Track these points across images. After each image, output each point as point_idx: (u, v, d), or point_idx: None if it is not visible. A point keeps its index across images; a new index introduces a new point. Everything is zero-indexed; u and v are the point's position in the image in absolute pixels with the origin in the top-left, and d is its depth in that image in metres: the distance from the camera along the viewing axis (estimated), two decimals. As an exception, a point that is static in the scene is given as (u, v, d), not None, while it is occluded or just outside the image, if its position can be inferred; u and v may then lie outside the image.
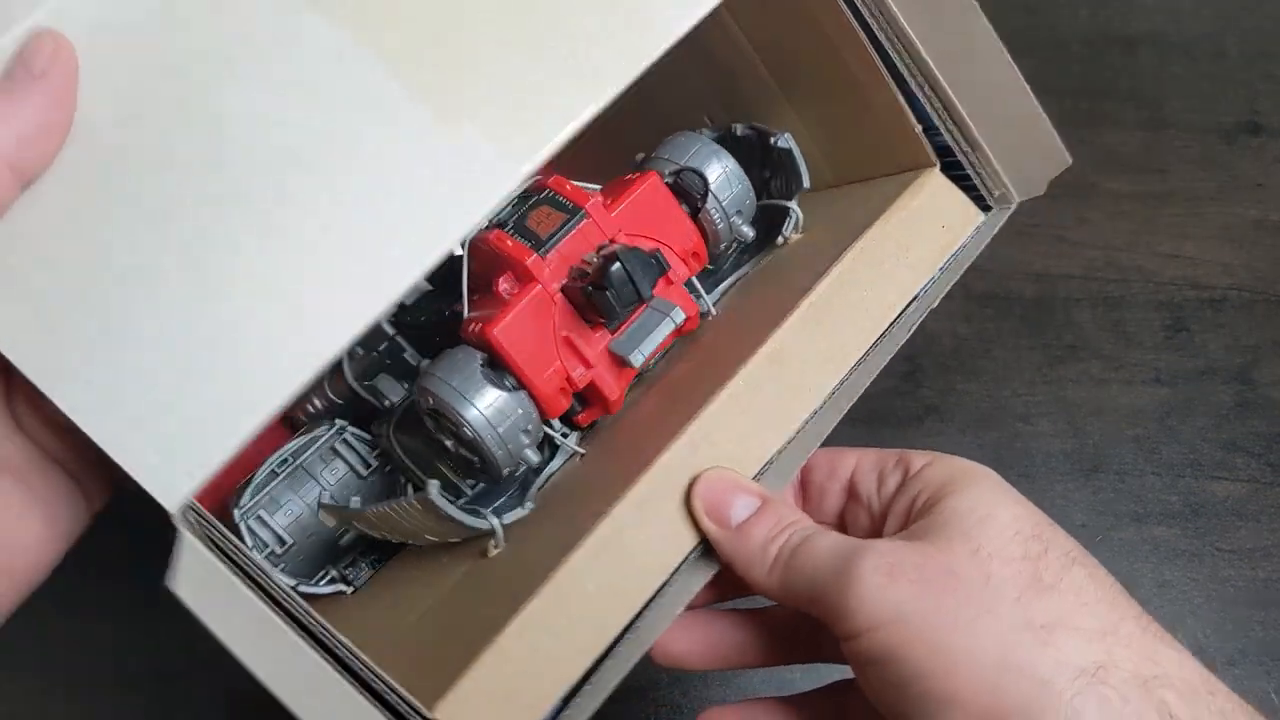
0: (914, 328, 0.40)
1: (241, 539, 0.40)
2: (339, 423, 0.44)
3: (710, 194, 0.42)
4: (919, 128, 0.41)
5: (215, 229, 0.31)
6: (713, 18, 0.35)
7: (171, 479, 0.29)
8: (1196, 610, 0.56)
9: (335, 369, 0.46)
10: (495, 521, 0.37)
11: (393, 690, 0.30)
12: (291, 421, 0.49)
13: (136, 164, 0.31)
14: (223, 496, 0.43)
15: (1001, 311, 0.65)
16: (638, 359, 0.38)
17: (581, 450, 0.41)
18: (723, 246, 0.44)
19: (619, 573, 0.32)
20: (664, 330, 0.38)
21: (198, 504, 0.30)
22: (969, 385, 0.62)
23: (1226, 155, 0.73)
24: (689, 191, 0.41)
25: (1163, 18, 0.80)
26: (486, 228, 0.39)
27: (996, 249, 0.67)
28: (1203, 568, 0.58)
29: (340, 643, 0.30)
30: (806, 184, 0.44)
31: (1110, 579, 0.32)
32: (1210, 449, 0.61)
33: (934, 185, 0.42)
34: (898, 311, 0.40)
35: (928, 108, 0.41)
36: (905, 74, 0.40)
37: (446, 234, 0.32)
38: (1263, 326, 0.65)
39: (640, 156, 0.45)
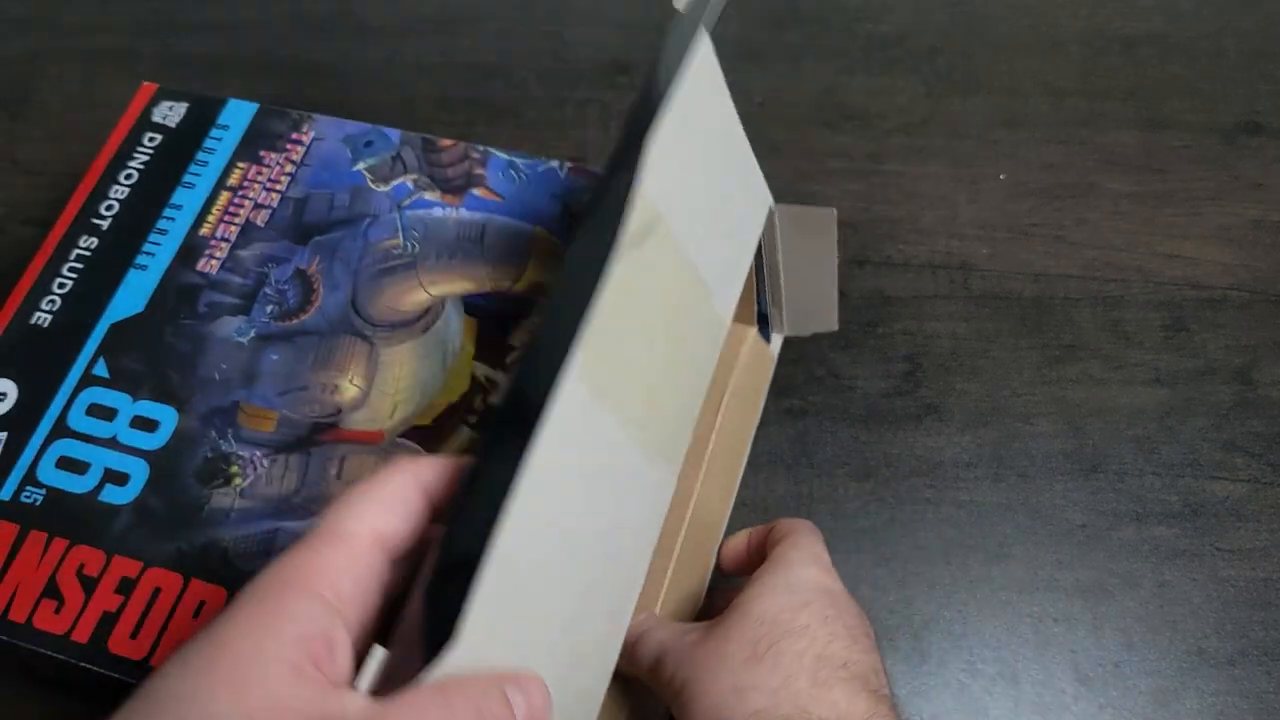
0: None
1: None
2: None
3: None
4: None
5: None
6: None
7: None
8: (1196, 610, 0.56)
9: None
10: None
11: None
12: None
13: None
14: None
15: (1000, 311, 0.65)
16: None
17: None
18: None
19: None
20: None
21: None
22: (968, 385, 0.62)
23: (1226, 155, 0.73)
24: None
25: (1163, 18, 0.80)
26: None
27: (996, 249, 0.67)
28: (1203, 568, 0.58)
29: None
30: None
31: (813, 651, 0.41)
32: (1210, 449, 0.61)
33: (752, 338, 0.60)
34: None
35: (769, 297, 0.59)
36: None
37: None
38: (1262, 326, 0.65)
39: None
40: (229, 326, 0.53)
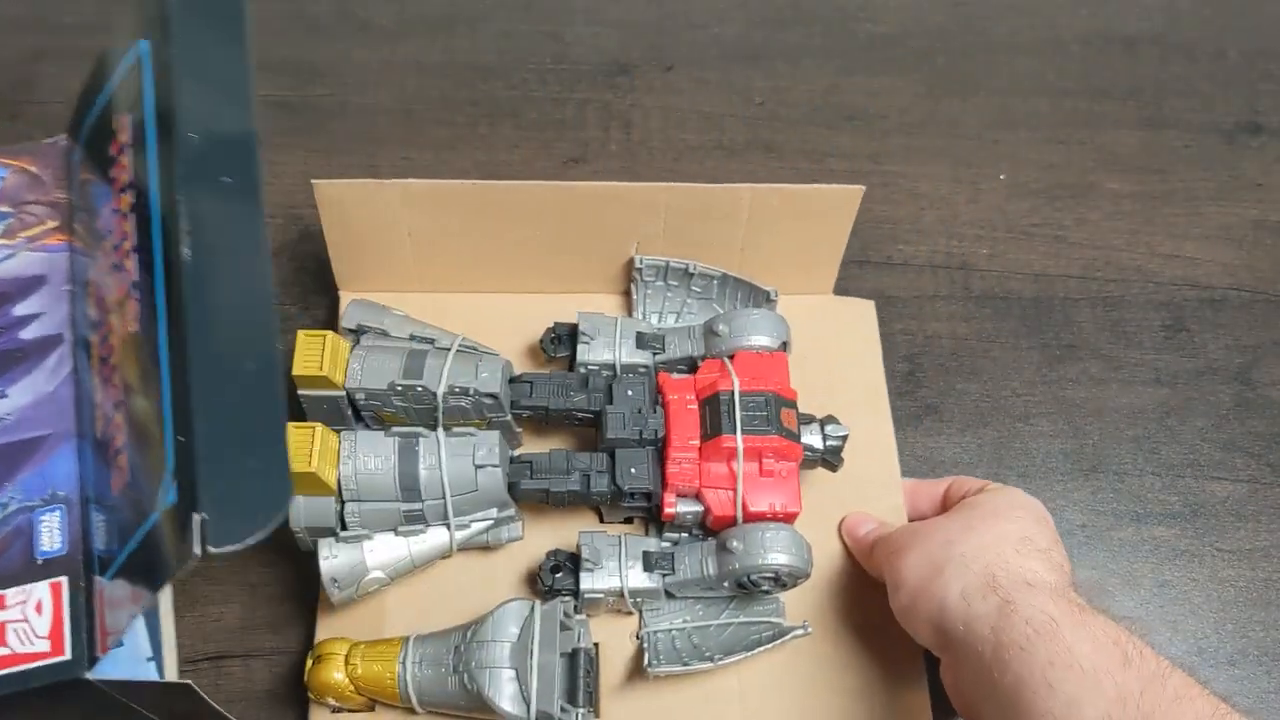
0: None
1: None
2: None
3: None
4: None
5: None
6: None
7: None
8: (1196, 610, 0.56)
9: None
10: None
11: None
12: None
13: None
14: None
15: (1001, 311, 0.65)
16: None
17: None
18: None
19: None
20: None
21: None
22: (968, 385, 0.62)
23: (1226, 155, 0.73)
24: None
25: (1163, 18, 0.80)
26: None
27: (996, 249, 0.67)
28: (1203, 568, 0.58)
29: None
30: None
31: (1020, 533, 0.47)
32: (1210, 449, 0.61)
33: None
34: None
35: None
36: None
37: None
38: (1262, 326, 0.65)
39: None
40: None
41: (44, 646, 0.39)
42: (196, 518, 0.34)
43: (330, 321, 0.62)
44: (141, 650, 0.47)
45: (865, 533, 0.53)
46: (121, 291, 0.42)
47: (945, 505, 0.54)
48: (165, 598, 0.53)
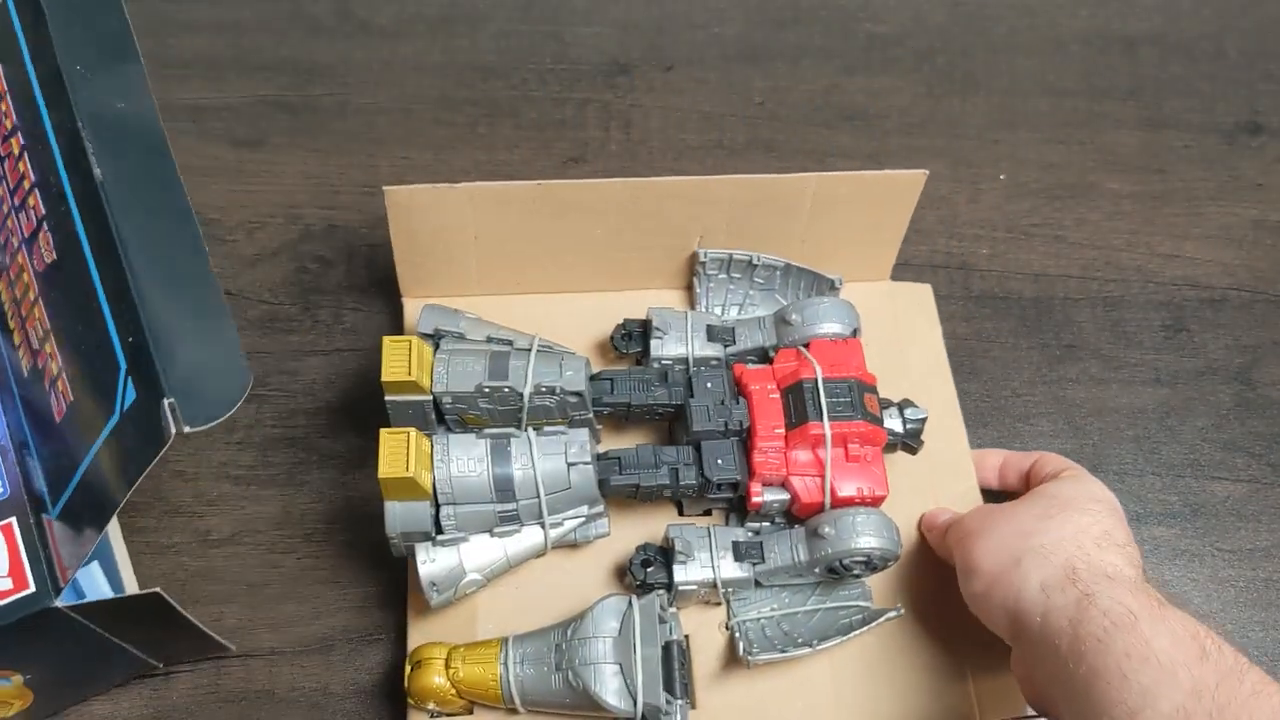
0: None
1: None
2: None
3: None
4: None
5: None
6: None
7: None
8: (1197, 610, 0.56)
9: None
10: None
11: None
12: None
13: None
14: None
15: (1001, 311, 0.65)
16: None
17: None
18: None
19: None
20: None
21: None
22: (969, 385, 0.62)
23: (1226, 155, 0.73)
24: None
25: (1163, 18, 0.80)
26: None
27: (996, 249, 0.67)
28: (1203, 568, 0.58)
29: None
30: None
31: (1099, 527, 0.47)
32: (1210, 449, 0.61)
33: None
34: None
35: None
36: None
37: None
38: (1263, 326, 0.65)
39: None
40: None
41: (7, 585, 0.41)
42: (166, 402, 0.36)
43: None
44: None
45: (942, 521, 0.53)
46: (30, 228, 0.44)
47: (1030, 482, 0.54)
48: (120, 547, 0.53)
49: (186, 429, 0.36)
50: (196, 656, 0.51)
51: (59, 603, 0.40)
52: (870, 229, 0.59)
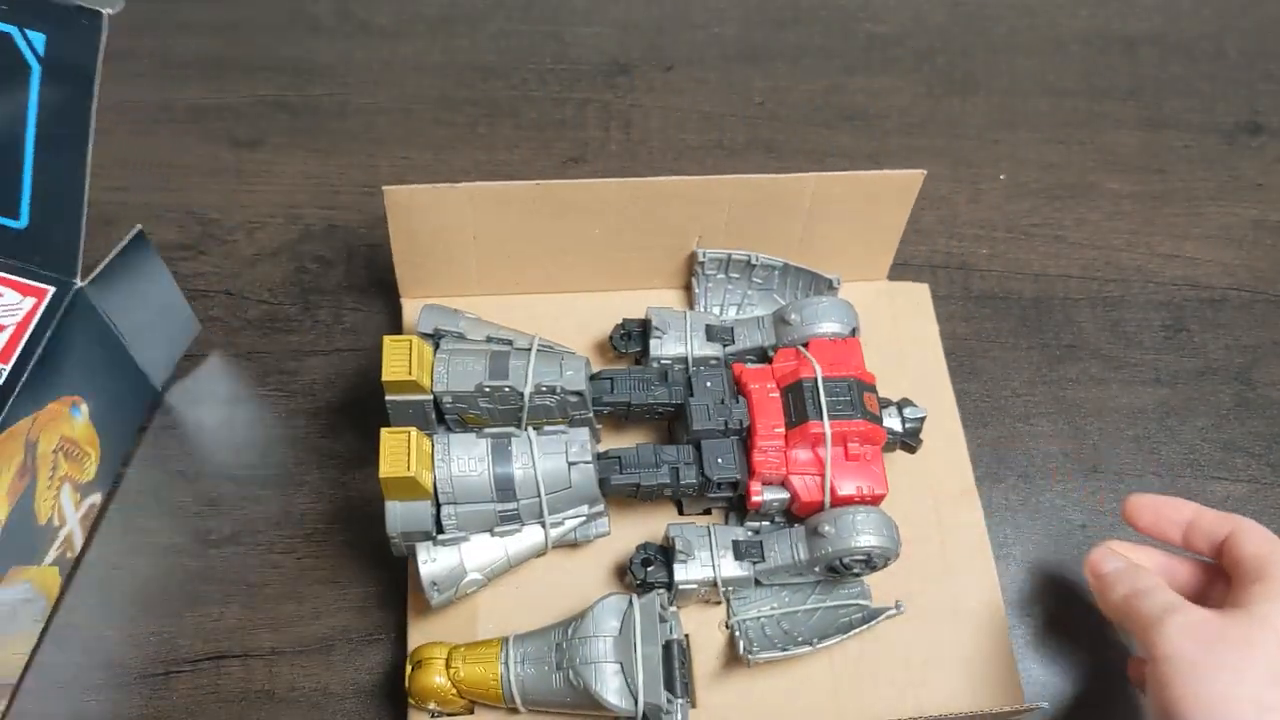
0: None
1: None
2: None
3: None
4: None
5: None
6: None
7: None
8: (1196, 610, 0.56)
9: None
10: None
11: None
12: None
13: None
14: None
15: (1001, 311, 0.65)
16: None
17: None
18: None
19: None
20: None
21: None
22: (969, 385, 0.62)
23: (1226, 155, 0.73)
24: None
25: (1163, 18, 0.80)
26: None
27: (996, 249, 0.67)
28: (1202, 568, 0.58)
29: None
30: None
31: None
32: (1210, 449, 0.61)
33: None
34: None
35: None
36: None
37: None
38: (1262, 326, 0.65)
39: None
40: None
41: (31, 302, 0.48)
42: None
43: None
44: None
45: (1110, 572, 0.48)
46: None
47: (1223, 557, 0.48)
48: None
49: None
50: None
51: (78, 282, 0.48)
52: (868, 229, 0.59)
